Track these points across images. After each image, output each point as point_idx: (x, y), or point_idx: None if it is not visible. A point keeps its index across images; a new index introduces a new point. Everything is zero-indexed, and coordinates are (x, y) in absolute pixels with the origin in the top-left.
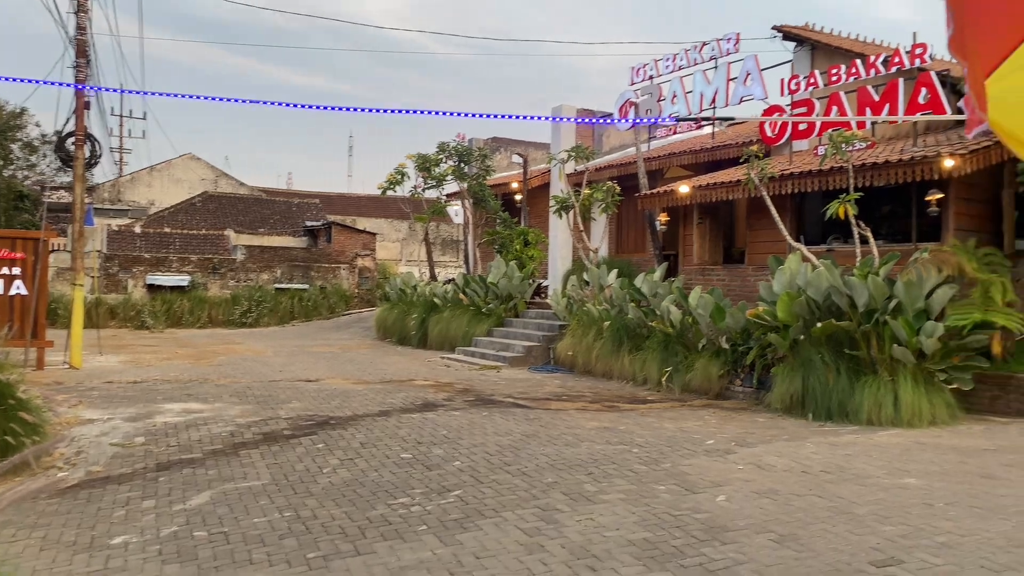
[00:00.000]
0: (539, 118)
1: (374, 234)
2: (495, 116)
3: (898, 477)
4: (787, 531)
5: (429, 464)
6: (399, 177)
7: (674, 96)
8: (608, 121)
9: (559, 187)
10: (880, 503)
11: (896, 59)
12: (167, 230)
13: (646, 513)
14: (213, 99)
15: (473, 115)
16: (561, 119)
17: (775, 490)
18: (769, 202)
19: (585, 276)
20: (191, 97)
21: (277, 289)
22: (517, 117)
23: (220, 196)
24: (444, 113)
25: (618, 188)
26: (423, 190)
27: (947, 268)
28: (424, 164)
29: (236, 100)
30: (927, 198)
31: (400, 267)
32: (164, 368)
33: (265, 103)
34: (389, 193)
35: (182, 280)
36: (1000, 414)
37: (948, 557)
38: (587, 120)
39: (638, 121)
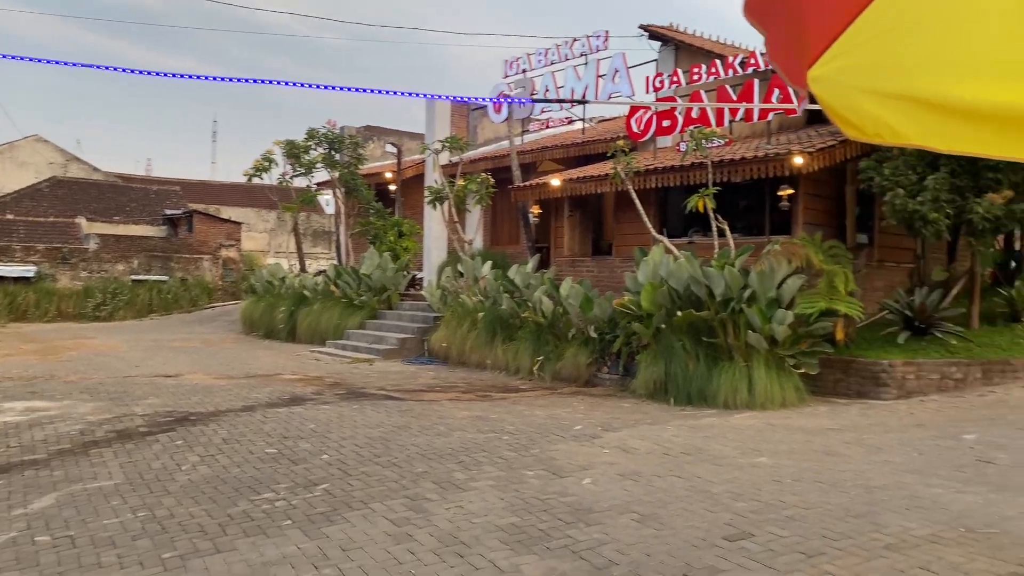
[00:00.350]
0: (414, 95)
1: (239, 224)
2: (369, 91)
3: (751, 456)
4: (648, 511)
5: (295, 458)
6: (266, 164)
7: (546, 90)
8: (481, 100)
9: (433, 178)
10: (734, 481)
11: (752, 60)
12: (10, 217)
13: (515, 498)
14: (53, 63)
15: (345, 89)
16: (438, 97)
17: (638, 472)
18: (635, 196)
19: (460, 268)
20: (30, 60)
21: (134, 281)
22: (389, 93)
23: (71, 181)
24: (314, 86)
25: (492, 180)
26: (291, 178)
27: (796, 259)
28: (293, 151)
29: (75, 64)
30: (779, 193)
31: (268, 259)
32: (5, 365)
33: (106, 68)
34: (256, 181)
35: (27, 271)
36: (842, 396)
37: (794, 529)
38: (461, 99)
39: (509, 100)
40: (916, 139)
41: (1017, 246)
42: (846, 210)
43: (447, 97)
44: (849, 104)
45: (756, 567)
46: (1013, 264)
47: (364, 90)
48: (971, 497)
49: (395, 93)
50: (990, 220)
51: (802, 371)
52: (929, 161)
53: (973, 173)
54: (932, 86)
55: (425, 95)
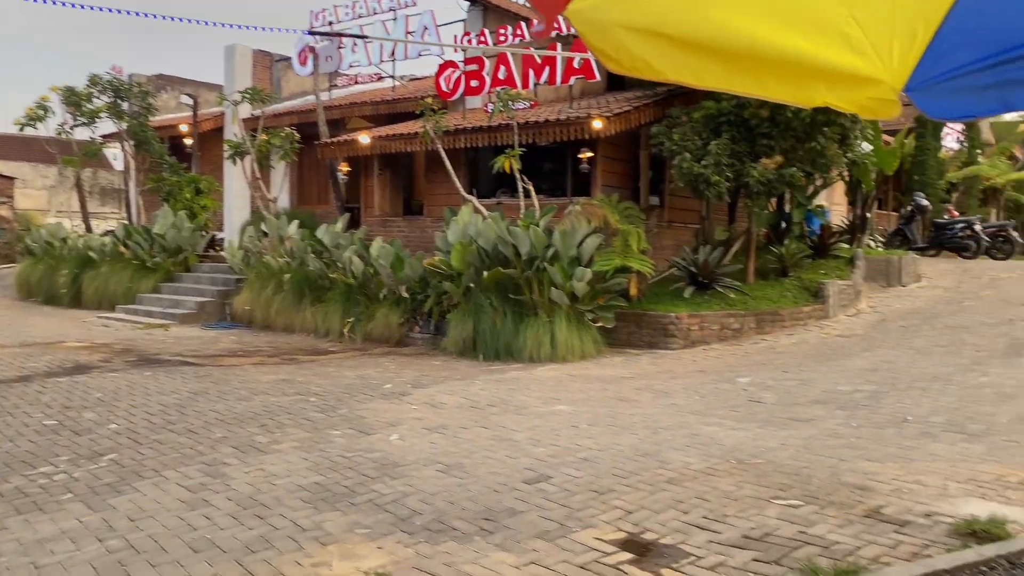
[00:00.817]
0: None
1: (12, 179)
2: (157, 17)
3: (551, 405)
4: (453, 461)
5: (79, 429)
6: (41, 112)
7: (354, 44)
8: (286, 31)
9: (233, 131)
10: (535, 429)
11: (556, 24)
12: None
13: (320, 458)
14: None
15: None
16: (237, 27)
17: (445, 425)
18: (444, 155)
19: (264, 227)
20: None
21: None
22: (180, 20)
23: None
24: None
25: (297, 135)
26: (72, 128)
27: (595, 220)
28: (72, 99)
29: None
30: (579, 156)
31: (49, 218)
32: None
33: None
34: (31, 131)
35: None
36: (635, 347)
37: (588, 469)
38: (267, 28)
39: (313, 34)
40: (670, 74)
41: (787, 208)
42: (640, 173)
43: (249, 28)
44: (607, 38)
45: (552, 506)
46: (783, 224)
47: (153, 16)
48: (742, 433)
49: (185, 20)
50: (764, 183)
51: (600, 324)
52: (713, 128)
53: (750, 140)
54: (681, 22)
55: (220, 24)
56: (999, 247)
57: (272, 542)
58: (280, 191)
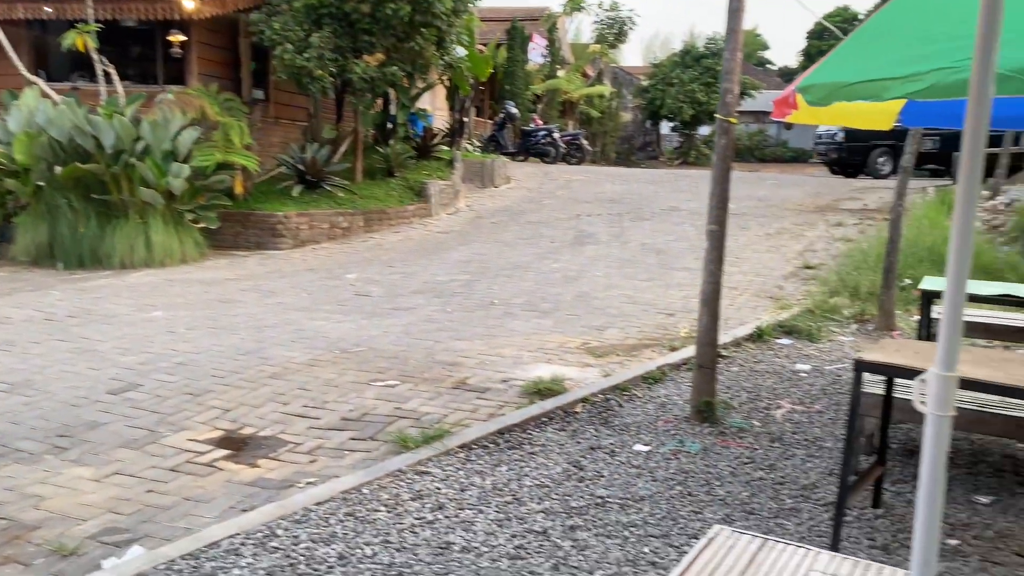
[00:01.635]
0: None
1: None
2: None
3: (145, 312)
4: (20, 379)
5: None
6: None
7: None
8: None
9: None
10: (124, 338)
11: None
12: None
13: None
14: None
15: None
16: None
17: (11, 341)
18: None
19: None
20: None
21: None
22: None
23: None
24: None
25: None
26: None
27: (191, 111)
28: None
29: None
30: (169, 38)
31: None
32: None
33: None
34: None
35: None
36: (243, 248)
37: (183, 373)
38: None
39: None
40: None
41: (393, 110)
42: (241, 63)
43: None
44: None
45: (141, 413)
46: (390, 125)
47: None
48: (348, 325)
49: None
50: (367, 81)
51: (202, 226)
52: (314, 20)
53: (352, 35)
54: None
55: None
56: (573, 153)
57: None
58: None
